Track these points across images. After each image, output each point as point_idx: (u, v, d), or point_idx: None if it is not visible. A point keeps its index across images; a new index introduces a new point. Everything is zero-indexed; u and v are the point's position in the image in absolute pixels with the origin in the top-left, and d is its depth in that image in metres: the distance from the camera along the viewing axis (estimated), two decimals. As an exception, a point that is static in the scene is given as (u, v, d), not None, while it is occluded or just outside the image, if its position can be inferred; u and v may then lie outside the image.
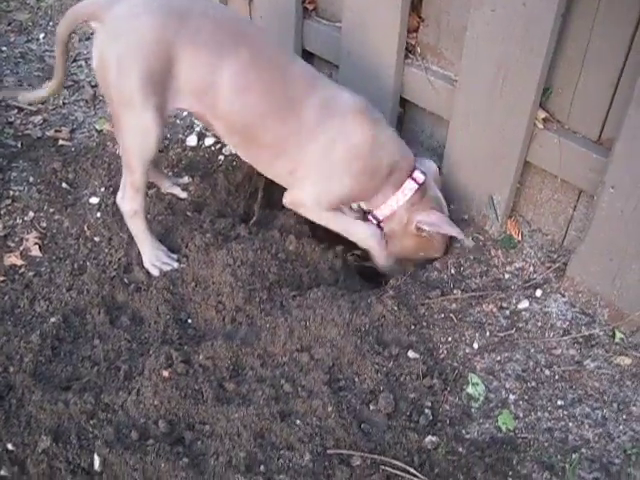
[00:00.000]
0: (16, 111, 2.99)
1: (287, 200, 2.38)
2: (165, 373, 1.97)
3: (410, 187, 2.34)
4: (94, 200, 2.54)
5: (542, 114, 2.24)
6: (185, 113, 2.96)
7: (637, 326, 2.18)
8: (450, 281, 2.37)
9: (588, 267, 2.22)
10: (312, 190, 2.30)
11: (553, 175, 2.32)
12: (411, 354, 2.12)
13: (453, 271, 2.41)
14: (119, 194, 2.29)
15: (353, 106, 2.26)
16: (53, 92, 2.40)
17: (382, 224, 2.41)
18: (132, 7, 2.08)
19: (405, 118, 2.70)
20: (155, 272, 2.28)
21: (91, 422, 1.87)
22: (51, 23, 3.61)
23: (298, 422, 1.91)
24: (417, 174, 2.35)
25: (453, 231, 2.32)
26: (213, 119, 2.24)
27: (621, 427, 2.01)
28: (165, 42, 2.06)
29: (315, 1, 2.85)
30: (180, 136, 2.91)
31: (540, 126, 2.24)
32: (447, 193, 2.52)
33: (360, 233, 2.41)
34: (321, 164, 2.26)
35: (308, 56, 2.93)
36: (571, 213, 2.36)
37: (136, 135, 2.14)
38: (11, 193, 2.56)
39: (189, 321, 2.20)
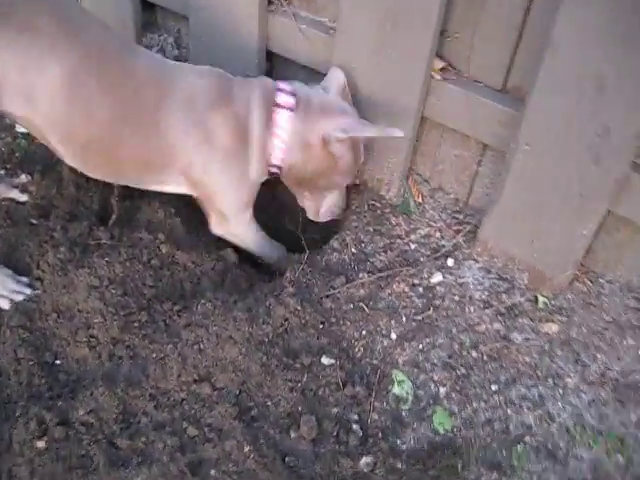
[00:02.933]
0: None
1: (217, 229, 2.07)
2: (40, 443, 1.60)
3: (284, 119, 1.92)
4: None
5: (439, 63, 1.95)
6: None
7: (560, 288, 2.01)
8: (353, 262, 2.09)
9: (503, 230, 2.01)
10: (225, 199, 1.98)
11: (452, 129, 2.06)
12: (325, 360, 1.85)
13: (354, 249, 2.13)
14: None
15: (212, 92, 1.88)
16: None
17: (280, 170, 2.01)
18: None
19: (274, 74, 2.33)
20: (4, 304, 1.85)
21: (-46, 526, 1.50)
22: None
23: (213, 472, 1.61)
24: (282, 99, 1.93)
25: (374, 131, 1.92)
26: (49, 132, 1.83)
27: (559, 404, 1.85)
28: None
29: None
30: (8, 121, 2.36)
31: (437, 77, 1.95)
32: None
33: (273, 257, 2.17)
34: (212, 169, 1.91)
35: (150, 6, 2.48)
36: (475, 169, 2.12)
37: None
38: None
39: (57, 362, 1.79)
